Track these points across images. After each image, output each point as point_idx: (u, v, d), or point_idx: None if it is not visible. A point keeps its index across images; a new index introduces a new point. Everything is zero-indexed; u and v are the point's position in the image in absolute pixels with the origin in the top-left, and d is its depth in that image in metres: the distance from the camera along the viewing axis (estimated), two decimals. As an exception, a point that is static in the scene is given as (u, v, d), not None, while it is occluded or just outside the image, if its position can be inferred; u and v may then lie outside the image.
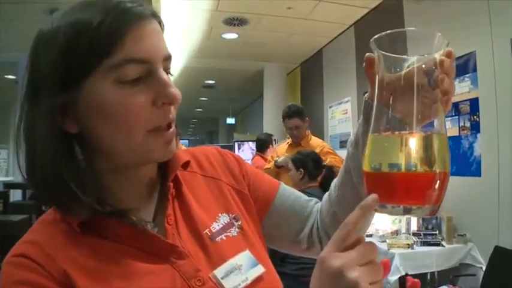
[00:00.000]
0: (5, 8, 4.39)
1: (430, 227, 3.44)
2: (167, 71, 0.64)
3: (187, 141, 22.54)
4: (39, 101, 0.60)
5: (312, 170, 3.10)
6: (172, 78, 0.64)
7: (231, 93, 10.81)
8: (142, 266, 0.62)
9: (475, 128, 3.31)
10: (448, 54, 0.54)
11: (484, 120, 3.24)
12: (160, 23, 0.64)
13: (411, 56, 0.54)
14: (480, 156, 3.27)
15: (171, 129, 0.64)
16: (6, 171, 9.88)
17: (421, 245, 3.22)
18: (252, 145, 7.22)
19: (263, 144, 5.15)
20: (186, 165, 0.76)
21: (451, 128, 3.47)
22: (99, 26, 0.57)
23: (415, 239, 3.25)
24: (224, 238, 0.71)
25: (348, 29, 5.66)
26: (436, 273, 3.24)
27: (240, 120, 14.66)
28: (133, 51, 0.58)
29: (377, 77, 0.56)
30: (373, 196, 0.50)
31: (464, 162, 3.38)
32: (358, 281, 0.46)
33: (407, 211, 0.50)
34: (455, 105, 3.43)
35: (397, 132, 0.52)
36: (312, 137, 3.98)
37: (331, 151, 3.81)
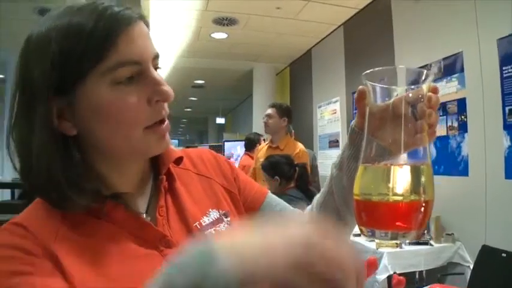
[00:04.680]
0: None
1: (418, 226, 3.46)
2: (156, 67, 0.67)
3: (177, 141, 22.46)
4: (33, 107, 0.61)
5: (287, 173, 3.00)
6: (162, 76, 0.66)
7: (221, 93, 10.79)
8: (131, 249, 0.64)
9: (463, 127, 3.34)
10: (434, 90, 0.58)
11: (472, 120, 3.27)
12: (146, 23, 0.67)
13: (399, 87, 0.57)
14: (468, 156, 3.29)
15: (165, 124, 0.67)
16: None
17: (409, 244, 3.23)
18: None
19: (251, 144, 5.17)
20: (179, 160, 0.79)
21: (439, 128, 3.48)
22: (92, 33, 0.59)
23: (403, 238, 3.26)
24: (213, 232, 0.73)
25: (336, 29, 5.68)
26: (424, 272, 3.25)
27: (229, 120, 14.64)
28: (125, 54, 0.61)
29: (367, 108, 0.59)
30: None
31: (452, 162, 3.41)
32: None
33: (394, 237, 0.52)
34: (443, 105, 3.46)
35: (388, 163, 0.54)
36: (291, 140, 3.98)
37: (302, 158, 3.69)
